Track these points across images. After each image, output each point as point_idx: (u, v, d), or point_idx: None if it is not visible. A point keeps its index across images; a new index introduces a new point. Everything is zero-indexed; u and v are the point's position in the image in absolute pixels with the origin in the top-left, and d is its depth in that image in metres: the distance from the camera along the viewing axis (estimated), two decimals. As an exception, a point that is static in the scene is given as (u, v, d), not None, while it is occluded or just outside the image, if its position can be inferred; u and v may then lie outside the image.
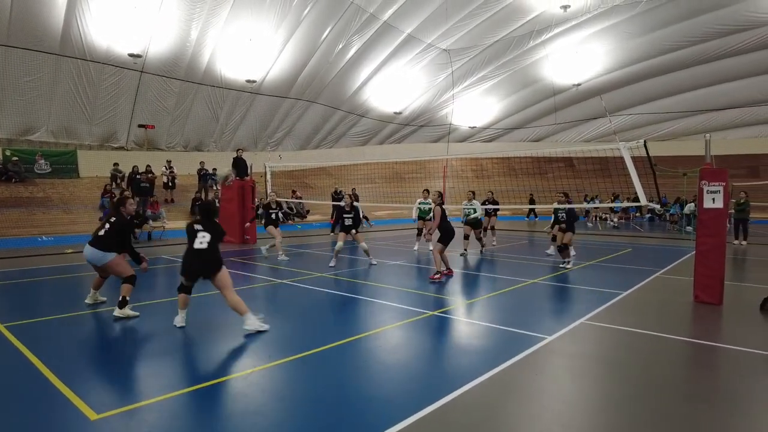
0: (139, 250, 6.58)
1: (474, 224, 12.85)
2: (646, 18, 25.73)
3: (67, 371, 4.29)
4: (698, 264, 7.10)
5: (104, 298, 6.96)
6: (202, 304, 7.28)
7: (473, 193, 13.05)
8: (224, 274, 5.60)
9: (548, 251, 12.72)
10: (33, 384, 4.03)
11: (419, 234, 13.58)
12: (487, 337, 5.52)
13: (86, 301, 6.58)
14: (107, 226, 6.32)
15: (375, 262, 10.71)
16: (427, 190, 13.06)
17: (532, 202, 26.38)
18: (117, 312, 6.10)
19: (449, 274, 9.29)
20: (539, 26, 26.61)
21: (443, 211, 8.87)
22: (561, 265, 10.37)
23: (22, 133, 20.25)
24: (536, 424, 3.45)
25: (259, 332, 5.41)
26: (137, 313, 6.19)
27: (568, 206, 10.90)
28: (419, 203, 13.57)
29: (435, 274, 8.84)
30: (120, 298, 6.15)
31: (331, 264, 10.42)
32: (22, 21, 17.10)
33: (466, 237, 12.79)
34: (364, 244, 10.75)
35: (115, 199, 6.77)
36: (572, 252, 11.44)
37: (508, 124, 36.52)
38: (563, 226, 10.80)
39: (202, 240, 5.54)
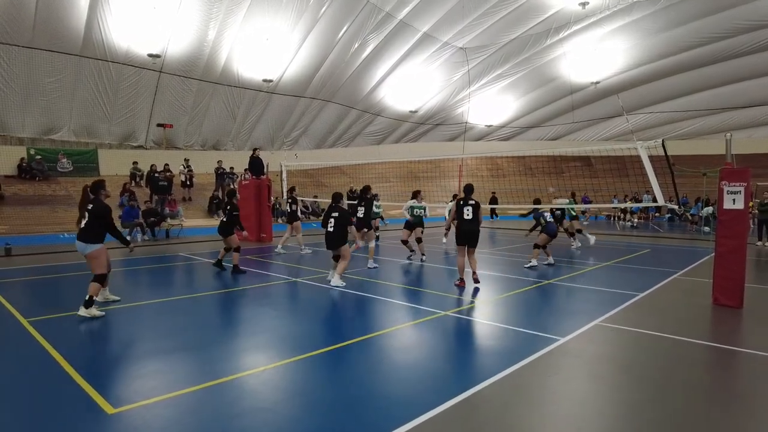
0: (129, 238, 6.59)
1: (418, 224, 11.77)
2: (666, 14, 25.23)
3: (86, 366, 4.41)
4: (717, 266, 6.96)
5: (117, 297, 6.94)
6: (219, 301, 7.38)
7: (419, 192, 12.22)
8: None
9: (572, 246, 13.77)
10: (53, 378, 4.14)
11: (405, 243, 11.97)
12: (499, 337, 5.50)
13: (96, 298, 6.24)
14: (87, 216, 6.18)
15: (372, 266, 10.13)
16: (419, 191, 12.21)
17: (494, 201, 25.89)
18: (82, 311, 5.94)
19: (460, 284, 8.35)
20: (557, 23, 26.26)
21: (458, 206, 8.31)
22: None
23: (45, 133, 20.73)
24: (548, 426, 3.43)
25: (275, 330, 5.45)
26: (102, 313, 6.08)
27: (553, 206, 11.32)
28: (411, 206, 11.87)
29: (457, 280, 8.38)
30: (87, 297, 5.99)
31: (370, 266, 10.13)
32: (45, 24, 17.50)
33: (405, 242, 11.85)
34: (371, 244, 10.39)
35: (90, 186, 6.40)
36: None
37: (525, 122, 36.18)
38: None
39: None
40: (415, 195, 11.99)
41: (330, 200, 8.67)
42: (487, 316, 6.50)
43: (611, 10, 25.14)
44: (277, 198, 20.66)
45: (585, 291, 8.08)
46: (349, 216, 8.25)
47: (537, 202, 11.28)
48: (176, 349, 4.96)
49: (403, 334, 5.54)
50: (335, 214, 8.09)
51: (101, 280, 6.17)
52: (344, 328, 5.84)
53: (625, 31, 26.98)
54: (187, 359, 4.69)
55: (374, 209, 12.57)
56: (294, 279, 8.99)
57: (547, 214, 10.85)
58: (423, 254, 11.43)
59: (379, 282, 8.78)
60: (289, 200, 13.28)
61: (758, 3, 23.77)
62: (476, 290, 8.00)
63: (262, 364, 4.53)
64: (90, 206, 6.20)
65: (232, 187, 14.39)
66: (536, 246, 10.53)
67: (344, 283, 8.03)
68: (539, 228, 10.75)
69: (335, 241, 8.15)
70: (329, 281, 8.26)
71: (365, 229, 10.23)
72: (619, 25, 26.57)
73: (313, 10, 21.63)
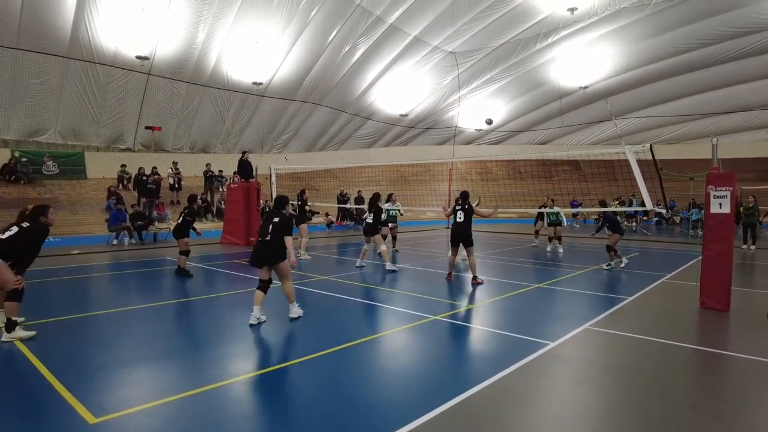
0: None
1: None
2: (653, 20, 25.55)
3: (67, 374, 4.31)
4: (705, 270, 7.02)
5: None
6: (206, 306, 7.29)
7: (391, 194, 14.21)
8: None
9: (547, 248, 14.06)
10: (34, 386, 4.04)
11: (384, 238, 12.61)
12: (489, 342, 5.49)
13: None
14: (14, 230, 5.43)
15: (391, 269, 10.27)
16: (392, 194, 14.20)
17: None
18: (4, 337, 5.17)
19: (448, 278, 9.29)
20: (546, 29, 26.49)
21: (453, 209, 9.20)
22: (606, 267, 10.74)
23: (30, 135, 20.43)
24: (539, 431, 3.41)
25: (265, 335, 5.39)
26: (32, 333, 5.35)
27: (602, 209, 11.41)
28: (385, 208, 12.61)
29: (474, 278, 8.94)
30: (5, 321, 5.23)
31: (390, 267, 10.37)
32: (31, 24, 17.26)
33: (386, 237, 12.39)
34: (382, 247, 10.59)
35: (34, 207, 5.71)
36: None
37: (515, 126, 36.40)
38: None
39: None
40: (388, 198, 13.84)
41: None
42: (477, 320, 6.49)
43: (599, 15, 25.41)
44: (266, 201, 20.54)
45: (574, 295, 8.10)
46: (292, 225, 6.43)
47: (603, 204, 11.58)
48: (161, 356, 4.87)
49: (393, 339, 5.51)
50: (276, 220, 6.19)
51: (16, 297, 5.30)
52: (334, 333, 5.79)
53: (612, 37, 27.29)
54: (172, 366, 4.61)
55: (389, 213, 13.34)
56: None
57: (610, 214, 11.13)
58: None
59: (368, 285, 8.74)
60: (299, 202, 12.88)
61: (741, 10, 24.18)
62: (475, 288, 8.56)
63: (251, 371, 4.46)
64: (25, 224, 5.51)
65: (220, 190, 14.33)
66: (610, 249, 10.77)
67: (301, 312, 6.29)
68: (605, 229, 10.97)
69: (272, 255, 6.05)
70: (254, 321, 5.97)
71: (373, 235, 10.71)
72: (607, 31, 26.86)
73: (303, 13, 21.59)
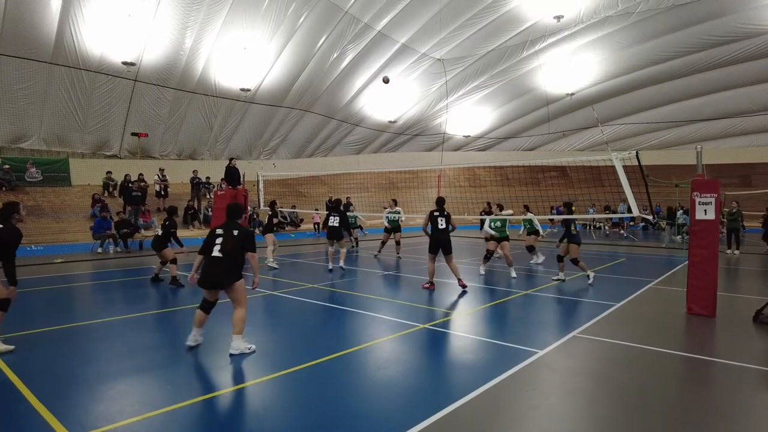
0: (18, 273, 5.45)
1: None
2: (638, 29, 25.97)
3: (45, 389, 4.18)
4: (691, 276, 7.07)
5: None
6: (190, 316, 7.16)
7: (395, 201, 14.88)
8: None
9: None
10: (9, 402, 3.91)
11: (383, 244, 14.55)
12: (477, 351, 5.45)
13: None
14: None
15: (333, 267, 11.26)
16: (395, 200, 14.70)
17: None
18: None
19: (430, 287, 8.99)
20: (533, 36, 26.77)
21: (432, 217, 9.00)
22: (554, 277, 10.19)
23: (13, 141, 20.07)
24: (527, 444, 3.37)
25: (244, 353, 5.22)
26: (11, 347, 5.19)
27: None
28: (387, 212, 14.33)
29: (426, 283, 9.03)
30: None
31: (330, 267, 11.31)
32: (14, 29, 17.01)
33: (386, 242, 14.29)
34: (343, 250, 11.50)
35: (3, 207, 5.42)
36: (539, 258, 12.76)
37: (502, 133, 36.65)
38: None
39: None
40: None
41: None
42: (464, 328, 6.45)
43: (585, 23, 25.75)
44: (254, 208, 20.39)
45: (561, 301, 8.11)
46: (253, 239, 5.47)
47: (568, 207, 10.70)
48: (144, 369, 4.76)
49: (379, 349, 5.44)
50: (235, 233, 5.29)
51: (4, 307, 5.15)
52: (319, 343, 5.71)
53: (598, 45, 27.66)
54: (155, 379, 4.50)
55: (390, 218, 14.46)
56: (270, 292, 8.81)
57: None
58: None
59: (355, 294, 8.68)
60: (271, 213, 12.97)
61: (723, 19, 24.68)
62: (464, 293, 8.57)
63: (235, 384, 4.37)
64: None
65: (207, 197, 14.18)
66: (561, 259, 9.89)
67: (252, 347, 5.24)
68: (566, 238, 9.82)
69: (225, 275, 5.15)
70: (192, 342, 5.36)
71: (339, 239, 11.49)
72: (593, 39, 27.22)
73: (291, 20, 21.57)
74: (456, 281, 8.89)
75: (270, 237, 12.43)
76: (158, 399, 4.01)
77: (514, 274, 10.46)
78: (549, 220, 26.02)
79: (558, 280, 9.90)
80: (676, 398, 4.22)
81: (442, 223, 8.84)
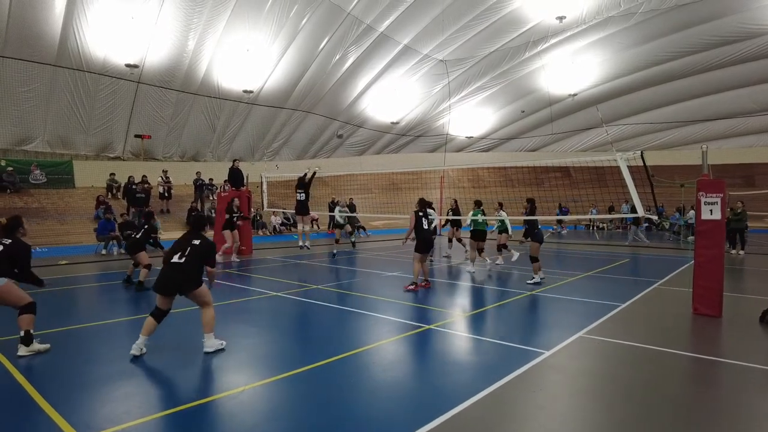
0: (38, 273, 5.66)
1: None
2: (640, 29, 25.92)
3: (52, 390, 4.19)
4: (697, 276, 7.04)
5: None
6: (193, 318, 7.17)
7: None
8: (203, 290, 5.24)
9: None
10: (17, 404, 3.92)
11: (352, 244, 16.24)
12: (483, 352, 5.43)
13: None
14: None
15: (303, 245, 13.38)
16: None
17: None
18: (22, 351, 5.08)
19: (426, 286, 9.10)
20: (535, 37, 26.75)
21: (417, 217, 9.01)
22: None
23: (17, 143, 20.17)
24: (535, 445, 3.35)
25: (254, 347, 5.27)
26: (47, 346, 5.30)
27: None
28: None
29: (410, 285, 8.92)
30: (22, 333, 5.12)
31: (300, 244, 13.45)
32: (18, 31, 17.10)
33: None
34: (306, 228, 13.15)
35: (8, 221, 5.50)
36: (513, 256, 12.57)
37: (505, 134, 36.62)
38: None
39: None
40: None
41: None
42: (470, 329, 6.43)
43: (587, 24, 25.72)
44: (257, 209, 20.41)
45: (566, 302, 8.08)
46: (214, 252, 5.50)
47: (531, 203, 10.22)
48: (149, 371, 4.76)
49: (383, 351, 5.42)
50: (196, 242, 5.25)
51: (32, 309, 5.25)
52: (323, 345, 5.70)
53: (601, 45, 27.62)
54: (160, 381, 4.51)
55: (338, 216, 15.80)
56: (274, 293, 8.81)
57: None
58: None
59: (357, 294, 8.67)
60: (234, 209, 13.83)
61: (725, 19, 24.62)
62: (428, 291, 8.81)
63: (237, 386, 4.36)
64: (7, 241, 5.30)
65: (211, 198, 14.24)
66: (536, 259, 9.58)
67: (223, 342, 5.32)
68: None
69: (184, 282, 5.12)
70: (137, 352, 5.12)
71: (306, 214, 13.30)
72: (595, 39, 27.18)
73: (293, 22, 21.61)
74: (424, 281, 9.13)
75: (227, 233, 13.26)
76: (165, 400, 4.02)
77: (470, 269, 11.13)
78: (557, 221, 26.01)
79: (534, 282, 9.43)
80: (682, 398, 4.20)
81: (428, 223, 9.15)
